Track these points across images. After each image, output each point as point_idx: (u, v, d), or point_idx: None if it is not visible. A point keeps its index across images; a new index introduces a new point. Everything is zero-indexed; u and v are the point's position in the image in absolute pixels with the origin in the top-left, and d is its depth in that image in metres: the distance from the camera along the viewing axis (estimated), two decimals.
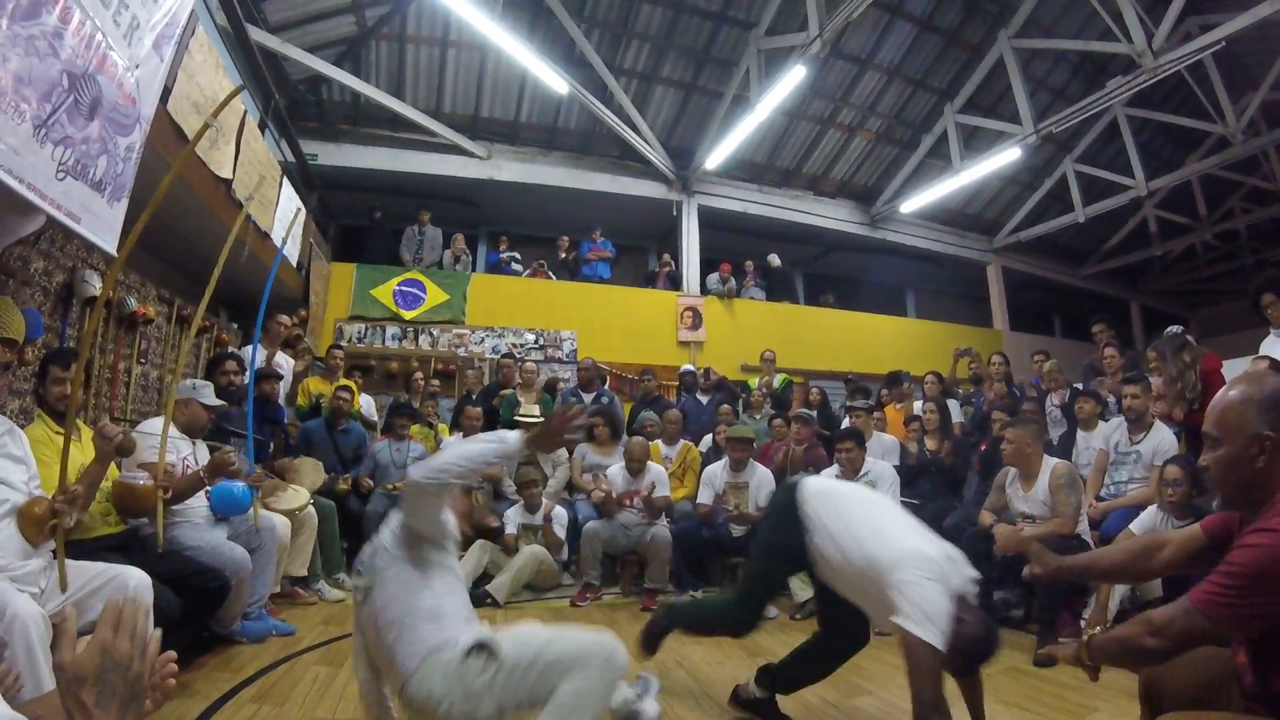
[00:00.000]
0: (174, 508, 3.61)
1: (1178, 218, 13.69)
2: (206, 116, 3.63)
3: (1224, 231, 13.98)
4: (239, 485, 3.92)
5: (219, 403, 4.16)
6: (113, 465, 3.22)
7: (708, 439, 7.03)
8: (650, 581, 5.46)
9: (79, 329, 4.04)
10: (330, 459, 5.91)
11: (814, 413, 7.33)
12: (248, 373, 4.93)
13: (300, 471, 5.40)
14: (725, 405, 7.29)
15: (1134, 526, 4.17)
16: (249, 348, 6.18)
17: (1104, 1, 8.65)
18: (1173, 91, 11.17)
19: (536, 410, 6.55)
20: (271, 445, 5.48)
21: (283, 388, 6.12)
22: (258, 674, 3.43)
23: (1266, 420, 1.52)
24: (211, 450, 3.99)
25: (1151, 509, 4.17)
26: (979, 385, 7.66)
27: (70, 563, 2.61)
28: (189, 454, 3.84)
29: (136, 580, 2.67)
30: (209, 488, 3.76)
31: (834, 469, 5.20)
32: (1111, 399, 5.74)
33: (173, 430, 3.77)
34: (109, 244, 3.04)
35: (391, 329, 9.68)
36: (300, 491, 4.96)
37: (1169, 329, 6.42)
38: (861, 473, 5.05)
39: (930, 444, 6.00)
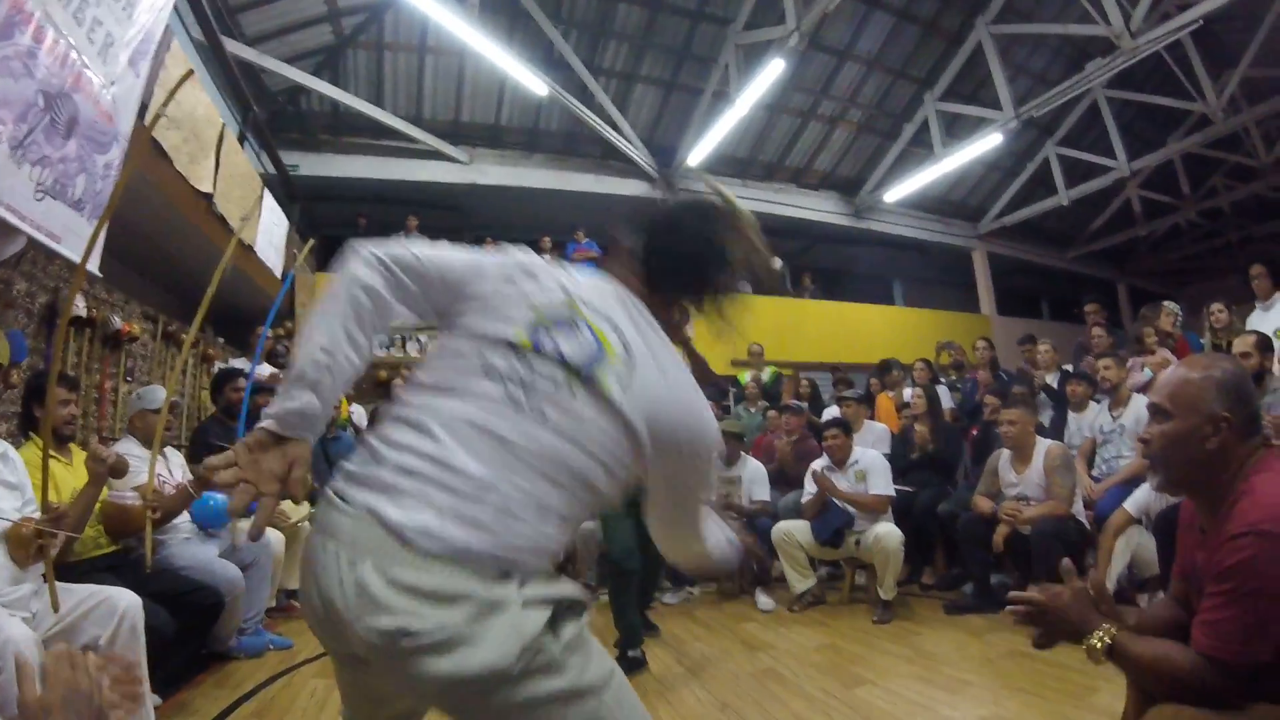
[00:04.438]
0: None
1: (1161, 197, 13.78)
2: (158, 108, 3.54)
3: (1208, 209, 14.08)
4: (219, 497, 3.90)
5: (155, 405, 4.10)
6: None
7: None
8: None
9: (65, 350, 4.01)
10: (321, 468, 5.88)
11: (805, 404, 7.33)
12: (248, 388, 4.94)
13: None
14: (709, 402, 7.28)
15: (1128, 505, 4.17)
16: (236, 361, 6.16)
17: None
18: (1152, 72, 11.21)
19: None
20: None
21: None
22: (256, 689, 3.42)
23: (1223, 401, 1.49)
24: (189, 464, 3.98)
25: (1145, 487, 4.16)
26: (960, 371, 7.67)
27: (60, 585, 2.59)
28: (161, 469, 3.81)
29: (127, 602, 2.65)
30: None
31: (824, 459, 5.20)
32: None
33: (140, 448, 3.75)
34: (91, 263, 3.01)
35: (379, 337, 9.61)
36: (298, 509, 4.97)
37: (1163, 304, 6.45)
38: (850, 461, 5.04)
39: (919, 429, 6.00)
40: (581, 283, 1.34)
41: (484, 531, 1.10)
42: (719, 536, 1.55)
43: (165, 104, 3.22)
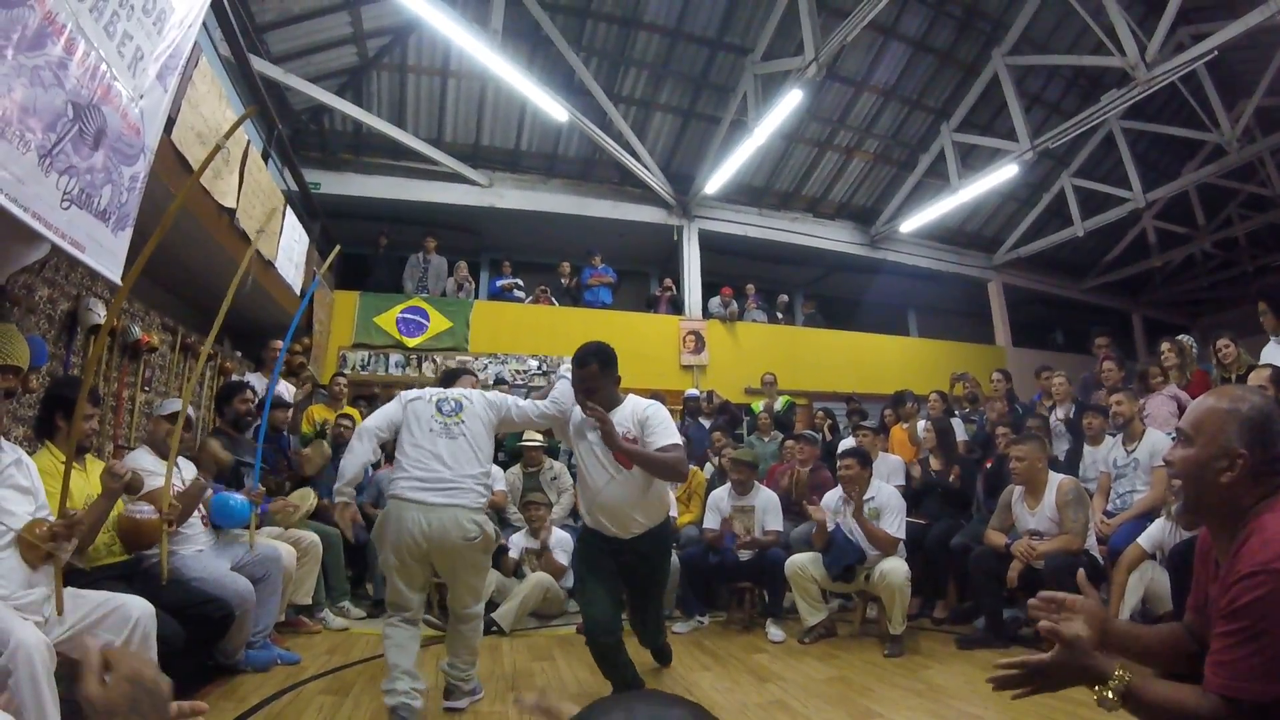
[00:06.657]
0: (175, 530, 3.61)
1: (1176, 228, 13.73)
2: (219, 139, 3.65)
3: (1223, 240, 14.01)
4: (237, 497, 3.90)
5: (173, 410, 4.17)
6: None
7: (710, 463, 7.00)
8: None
9: (83, 357, 4.04)
10: (333, 486, 5.87)
11: (819, 435, 7.27)
12: (259, 401, 4.98)
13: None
14: (718, 431, 7.27)
15: (1142, 540, 4.12)
16: (251, 376, 6.20)
17: (1096, 15, 8.71)
18: (1167, 102, 11.23)
19: (539, 437, 6.53)
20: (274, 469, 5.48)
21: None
22: (262, 703, 3.40)
23: (1243, 438, 1.47)
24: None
25: (1160, 522, 4.13)
26: (975, 404, 7.64)
27: (74, 591, 2.60)
28: (175, 480, 3.82)
29: (140, 610, 2.65)
30: (211, 497, 3.77)
31: (838, 491, 5.14)
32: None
33: (154, 458, 3.77)
34: (113, 273, 3.05)
35: (395, 356, 9.68)
36: (306, 493, 5.04)
37: (1179, 338, 6.42)
38: (866, 497, 4.91)
39: (934, 464, 5.96)
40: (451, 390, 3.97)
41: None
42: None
43: (228, 135, 3.30)
